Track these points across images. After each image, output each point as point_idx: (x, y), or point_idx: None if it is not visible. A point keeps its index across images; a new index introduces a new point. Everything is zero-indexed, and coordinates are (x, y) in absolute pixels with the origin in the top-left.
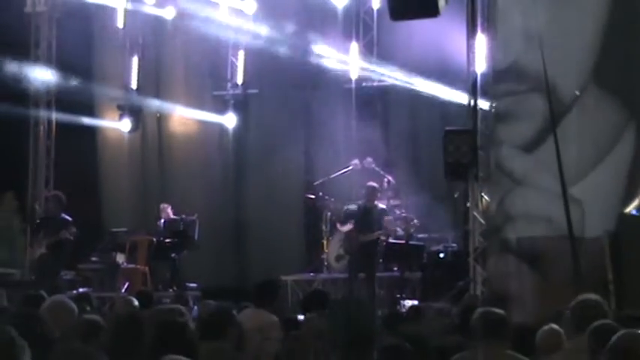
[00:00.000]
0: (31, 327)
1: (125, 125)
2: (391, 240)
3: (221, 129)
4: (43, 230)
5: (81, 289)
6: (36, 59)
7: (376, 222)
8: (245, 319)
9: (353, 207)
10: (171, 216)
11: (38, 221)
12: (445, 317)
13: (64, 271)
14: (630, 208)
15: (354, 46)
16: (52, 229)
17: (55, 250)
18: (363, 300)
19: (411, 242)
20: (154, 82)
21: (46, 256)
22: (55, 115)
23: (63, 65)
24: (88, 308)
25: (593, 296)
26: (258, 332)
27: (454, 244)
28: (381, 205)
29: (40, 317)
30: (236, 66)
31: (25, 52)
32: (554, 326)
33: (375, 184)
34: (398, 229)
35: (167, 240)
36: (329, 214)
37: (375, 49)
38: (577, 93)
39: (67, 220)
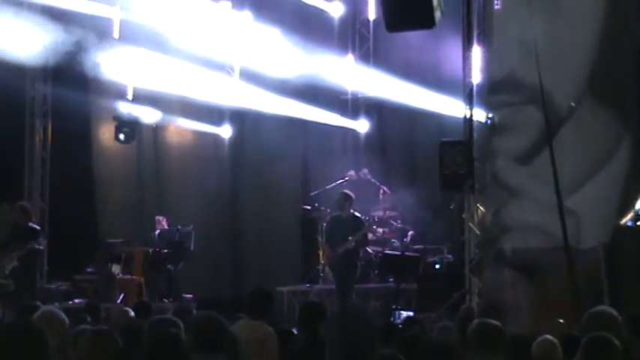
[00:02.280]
0: (28, 337)
1: (121, 136)
2: (387, 251)
3: (217, 140)
4: (13, 242)
5: (76, 300)
6: (31, 70)
7: (351, 231)
8: (239, 330)
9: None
10: (166, 228)
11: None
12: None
13: (60, 283)
14: (625, 220)
15: (350, 57)
16: (20, 241)
17: (25, 261)
18: (362, 312)
19: (406, 253)
20: (150, 93)
21: (18, 268)
22: (51, 126)
23: (59, 76)
24: (89, 319)
25: (606, 308)
26: (253, 343)
27: (450, 255)
28: (356, 213)
29: (38, 327)
30: (232, 76)
31: (21, 65)
32: (549, 337)
33: (347, 192)
34: (394, 240)
35: (163, 251)
36: (325, 225)
37: (371, 60)
38: (572, 104)
39: (35, 229)
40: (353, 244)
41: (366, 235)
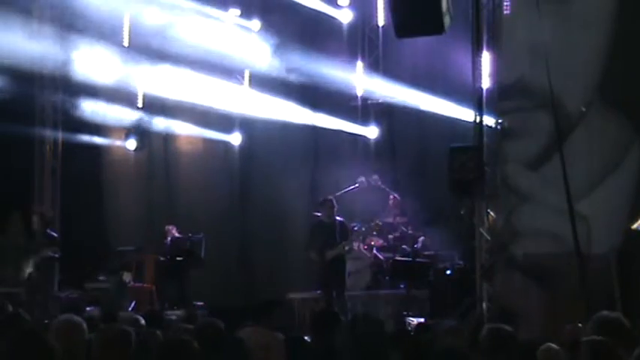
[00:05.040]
0: (34, 345)
1: (131, 144)
2: (397, 257)
3: (227, 147)
4: (30, 249)
5: (87, 308)
6: (41, 78)
7: (339, 235)
8: (247, 336)
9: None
10: (177, 236)
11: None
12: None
13: (72, 290)
14: (637, 224)
15: (360, 63)
16: (37, 248)
17: (41, 268)
18: (374, 319)
19: (417, 259)
20: (160, 101)
21: (33, 275)
22: (61, 135)
23: (68, 84)
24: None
25: (611, 313)
26: (261, 350)
27: (461, 261)
28: (339, 218)
29: (42, 335)
30: (242, 83)
31: (32, 72)
32: (553, 345)
33: (331, 197)
34: (404, 246)
35: (174, 258)
36: (310, 229)
37: (381, 67)
38: (583, 109)
39: (51, 237)
40: (347, 248)
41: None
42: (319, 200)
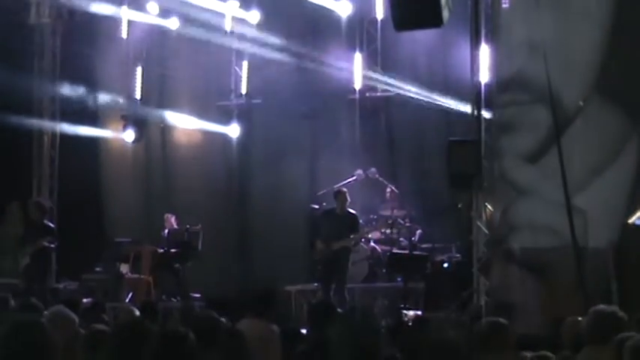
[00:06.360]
0: (33, 335)
1: (129, 135)
2: (395, 250)
3: (225, 139)
4: (27, 239)
5: (84, 300)
6: (40, 70)
7: (348, 228)
8: (244, 328)
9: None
10: (175, 226)
11: (23, 231)
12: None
13: (69, 282)
14: (634, 218)
15: (358, 56)
16: (34, 238)
17: (37, 258)
18: (369, 312)
19: (414, 252)
20: (158, 93)
21: (30, 265)
22: (59, 126)
23: (67, 76)
24: (106, 317)
25: (607, 307)
26: (257, 342)
27: (458, 255)
28: (352, 211)
29: (42, 326)
30: (240, 76)
31: (29, 64)
32: (526, 353)
33: (344, 189)
34: (402, 239)
35: (171, 250)
36: (317, 220)
37: (379, 60)
38: (581, 103)
39: (48, 227)
40: (353, 242)
41: (362, 236)
42: (333, 191)
